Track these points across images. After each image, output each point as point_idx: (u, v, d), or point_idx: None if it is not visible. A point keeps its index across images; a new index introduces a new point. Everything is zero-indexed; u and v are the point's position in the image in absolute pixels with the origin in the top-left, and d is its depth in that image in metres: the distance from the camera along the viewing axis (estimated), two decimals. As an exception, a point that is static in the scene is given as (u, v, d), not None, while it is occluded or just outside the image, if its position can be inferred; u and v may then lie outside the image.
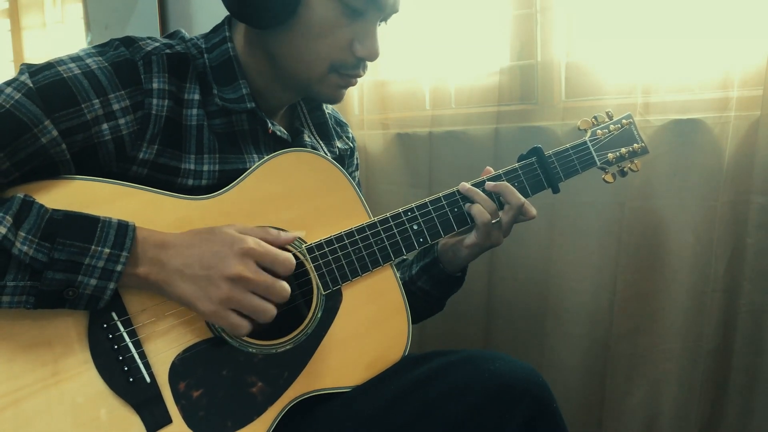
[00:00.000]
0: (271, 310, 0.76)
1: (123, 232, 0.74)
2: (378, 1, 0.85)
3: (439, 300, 1.09)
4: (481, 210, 0.97)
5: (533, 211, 1.00)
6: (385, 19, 0.90)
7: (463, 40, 1.51)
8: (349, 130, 1.16)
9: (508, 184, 0.99)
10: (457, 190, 0.99)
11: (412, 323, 1.09)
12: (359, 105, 1.67)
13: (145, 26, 1.97)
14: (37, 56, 2.25)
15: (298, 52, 0.87)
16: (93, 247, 0.72)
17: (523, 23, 1.45)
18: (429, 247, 1.06)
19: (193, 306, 0.76)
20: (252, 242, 0.77)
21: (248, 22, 0.86)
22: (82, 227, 0.72)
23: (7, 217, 0.69)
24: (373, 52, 0.88)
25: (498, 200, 0.99)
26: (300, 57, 0.87)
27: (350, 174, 1.14)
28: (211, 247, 0.76)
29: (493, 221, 0.97)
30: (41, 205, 0.72)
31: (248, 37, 0.90)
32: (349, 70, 0.89)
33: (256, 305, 0.75)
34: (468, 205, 0.98)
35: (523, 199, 0.98)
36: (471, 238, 0.99)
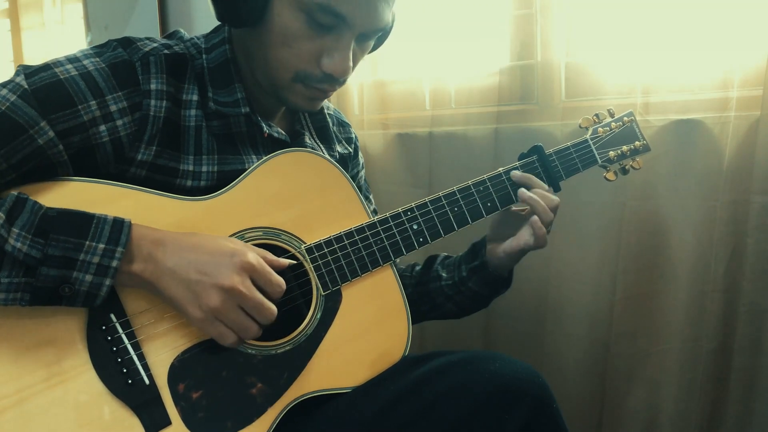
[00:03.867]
0: (254, 330, 0.76)
1: (118, 227, 0.73)
2: (347, 19, 0.81)
3: (486, 299, 1.09)
4: (540, 224, 0.98)
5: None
6: (367, 37, 0.87)
7: (463, 40, 1.51)
8: (351, 131, 1.15)
9: (543, 192, 1.00)
10: (457, 190, 0.99)
11: (458, 318, 1.10)
12: (359, 105, 1.67)
13: (145, 26, 1.97)
14: (36, 56, 2.26)
15: (264, 57, 0.86)
16: (87, 242, 0.71)
17: (523, 23, 1.45)
18: (476, 249, 1.07)
19: (182, 309, 0.75)
20: (252, 257, 0.77)
21: (224, 20, 0.86)
22: (76, 223, 0.72)
23: (0, 213, 0.69)
24: (340, 69, 0.84)
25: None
26: (266, 62, 0.86)
27: (356, 175, 1.14)
28: (210, 253, 0.76)
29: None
30: (35, 202, 0.72)
31: (235, 36, 0.90)
32: (314, 83, 0.87)
33: (241, 322, 0.75)
34: (534, 218, 0.98)
35: (557, 199, 1.00)
36: (512, 245, 1.00)
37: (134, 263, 0.74)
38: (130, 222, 0.75)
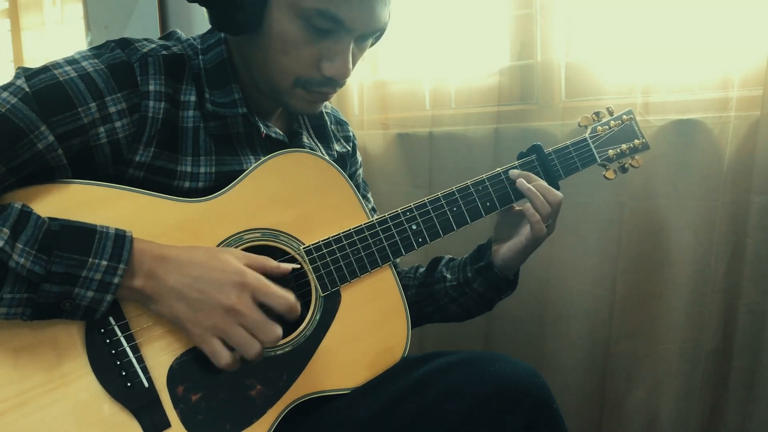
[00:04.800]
0: (256, 348, 0.75)
1: (120, 243, 0.73)
2: (344, 23, 0.80)
3: (490, 301, 1.08)
4: (536, 216, 0.97)
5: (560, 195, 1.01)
6: (366, 38, 0.87)
7: (463, 40, 1.51)
8: (349, 129, 1.15)
9: (542, 184, 1.00)
10: (456, 190, 0.99)
11: (461, 321, 1.10)
12: (359, 105, 1.67)
13: (144, 26, 1.97)
14: (36, 57, 2.25)
15: (264, 63, 0.85)
16: (90, 259, 0.71)
17: (523, 23, 1.45)
18: (482, 250, 1.07)
19: (182, 325, 0.75)
20: (251, 276, 0.76)
21: (219, 29, 0.86)
22: (79, 239, 0.72)
23: (5, 229, 0.69)
24: (341, 72, 0.84)
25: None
26: (266, 68, 0.86)
27: (354, 173, 1.14)
28: (211, 271, 0.75)
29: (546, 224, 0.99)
30: (38, 216, 0.72)
31: (231, 41, 0.90)
32: (315, 87, 0.87)
33: (242, 340, 0.74)
34: (527, 206, 0.98)
35: (560, 195, 0.99)
36: (517, 243, 1.00)
37: (135, 279, 0.74)
38: (131, 236, 0.74)
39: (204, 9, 0.84)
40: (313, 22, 0.80)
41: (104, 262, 0.72)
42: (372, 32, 0.86)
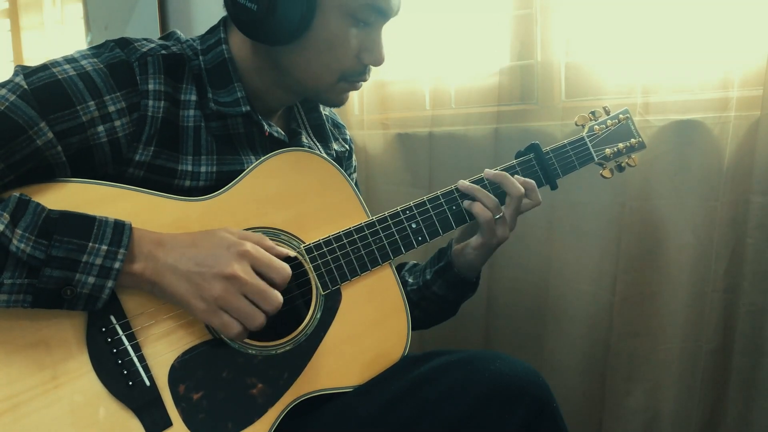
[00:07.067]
0: (259, 318, 0.75)
1: (120, 230, 0.74)
2: (385, 12, 0.88)
3: (453, 304, 1.08)
4: (482, 208, 0.96)
5: (539, 197, 1.00)
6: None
7: (463, 41, 1.51)
8: (347, 132, 1.16)
9: (507, 174, 0.99)
10: (456, 188, 0.99)
11: (425, 328, 1.09)
12: (359, 105, 1.67)
13: (145, 26, 1.97)
14: (36, 56, 2.25)
15: (308, 65, 0.88)
16: (90, 244, 0.71)
17: (523, 23, 1.45)
18: (443, 252, 1.07)
19: (185, 303, 0.75)
20: (249, 246, 0.77)
21: (261, 40, 0.86)
22: (79, 225, 0.72)
23: (4, 214, 0.69)
24: (380, 58, 0.90)
25: (498, 192, 0.99)
26: (310, 69, 0.88)
27: (349, 176, 1.14)
28: (208, 247, 0.76)
29: (497, 217, 0.97)
30: (38, 203, 0.72)
31: (252, 44, 0.90)
32: (356, 77, 0.92)
33: (245, 310, 0.75)
34: (467, 203, 0.98)
35: (522, 189, 0.98)
36: (477, 239, 0.99)
37: (135, 263, 0.74)
38: (130, 224, 0.75)
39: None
40: (359, 17, 0.85)
41: (104, 247, 0.72)
42: (395, 15, 0.91)
